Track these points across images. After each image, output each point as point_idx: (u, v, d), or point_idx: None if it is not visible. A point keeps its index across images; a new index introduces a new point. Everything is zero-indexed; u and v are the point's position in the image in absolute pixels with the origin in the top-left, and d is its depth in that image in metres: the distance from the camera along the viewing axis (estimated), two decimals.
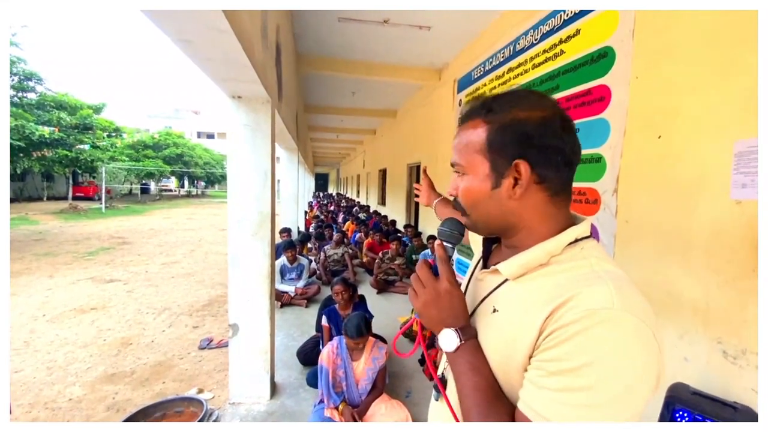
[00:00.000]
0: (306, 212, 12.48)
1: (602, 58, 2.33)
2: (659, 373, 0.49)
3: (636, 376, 0.47)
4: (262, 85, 2.07)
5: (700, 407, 1.50)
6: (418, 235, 5.81)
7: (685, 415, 1.48)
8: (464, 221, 0.69)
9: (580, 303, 0.50)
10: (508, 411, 0.55)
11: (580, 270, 0.56)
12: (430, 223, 6.23)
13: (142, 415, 2.14)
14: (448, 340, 0.61)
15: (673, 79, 1.90)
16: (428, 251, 5.10)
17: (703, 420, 1.45)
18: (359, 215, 10.14)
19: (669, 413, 1.52)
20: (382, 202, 11.70)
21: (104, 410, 2.64)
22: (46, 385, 2.94)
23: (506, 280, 0.62)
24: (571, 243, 0.59)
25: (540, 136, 0.57)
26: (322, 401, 2.24)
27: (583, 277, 0.54)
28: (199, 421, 2.05)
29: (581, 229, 0.61)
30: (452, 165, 0.67)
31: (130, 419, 2.07)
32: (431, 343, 2.84)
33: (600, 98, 2.34)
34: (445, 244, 0.68)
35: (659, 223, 1.98)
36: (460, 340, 0.60)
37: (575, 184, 2.50)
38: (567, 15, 2.62)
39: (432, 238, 5.00)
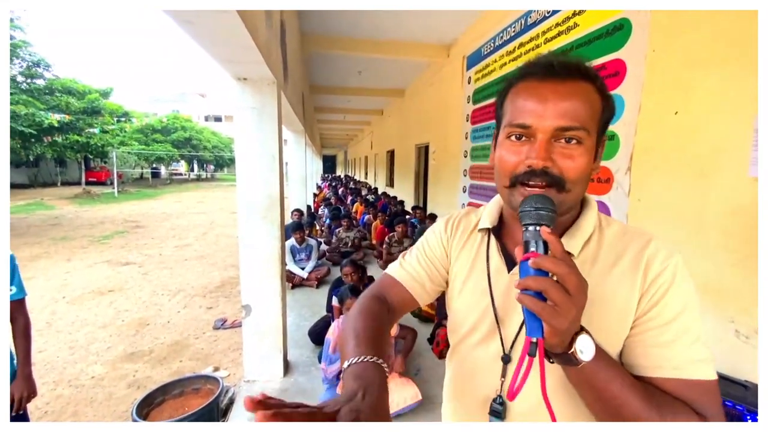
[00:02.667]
0: (315, 194, 12.52)
1: (618, 31, 2.24)
2: None
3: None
4: (267, 66, 2.04)
5: None
6: (434, 216, 5.76)
7: None
8: (555, 198, 0.55)
9: (655, 261, 0.57)
10: (655, 390, 0.53)
11: (619, 230, 0.62)
12: (438, 205, 6.20)
13: (161, 392, 2.23)
14: (587, 346, 0.49)
15: (691, 52, 1.82)
16: None
17: None
18: (367, 197, 10.13)
19: None
20: (390, 183, 11.65)
21: (125, 387, 2.75)
22: (69, 363, 3.06)
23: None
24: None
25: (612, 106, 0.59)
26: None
27: (631, 238, 0.60)
28: (216, 398, 2.12)
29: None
30: (565, 129, 0.54)
31: (150, 396, 2.15)
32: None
33: (615, 73, 2.26)
34: (545, 227, 0.50)
35: (673, 201, 1.94)
36: (595, 345, 0.50)
37: None
38: None
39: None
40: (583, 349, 0.49)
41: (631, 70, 2.16)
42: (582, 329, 0.50)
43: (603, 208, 2.38)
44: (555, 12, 2.81)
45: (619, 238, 0.61)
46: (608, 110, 0.58)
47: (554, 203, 0.53)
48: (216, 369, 2.96)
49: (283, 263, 2.58)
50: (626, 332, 0.57)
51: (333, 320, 2.90)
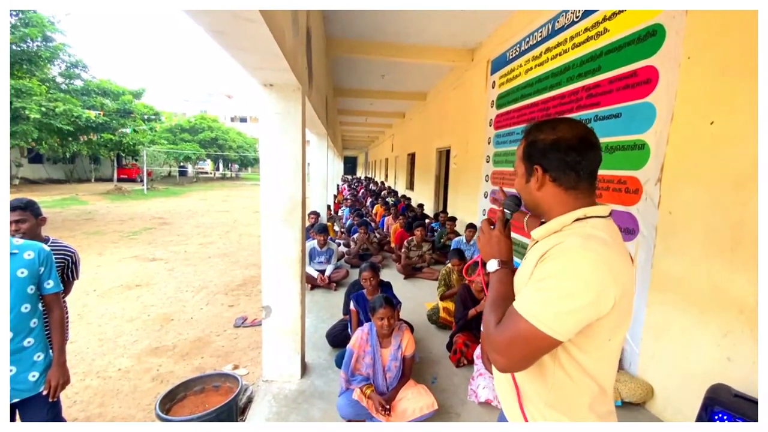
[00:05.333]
0: (335, 195, 12.63)
1: (651, 37, 2.17)
2: (602, 295, 0.73)
3: (578, 287, 0.73)
4: (293, 73, 2.08)
5: (741, 410, 1.43)
6: (454, 219, 5.79)
7: (725, 418, 1.42)
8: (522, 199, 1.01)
9: (555, 247, 0.79)
10: (505, 308, 0.84)
11: (575, 232, 0.81)
12: (458, 210, 6.15)
13: (183, 388, 2.29)
14: (492, 265, 0.95)
15: (730, 59, 1.75)
16: (462, 238, 5.11)
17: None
18: (387, 199, 10.14)
19: (707, 415, 1.46)
20: (410, 186, 11.64)
21: (150, 381, 2.84)
22: (98, 355, 3.19)
23: (537, 241, 0.90)
24: (581, 219, 0.83)
25: (549, 152, 0.86)
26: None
27: (570, 234, 0.80)
28: (235, 396, 2.17)
29: (593, 210, 0.84)
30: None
31: (173, 391, 2.22)
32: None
33: (646, 80, 2.19)
34: (505, 211, 1.01)
35: (706, 214, 1.87)
36: (499, 266, 0.94)
37: (614, 173, 2.38)
38: None
39: (471, 226, 5.03)
40: (489, 265, 0.95)
41: (663, 78, 2.08)
42: (502, 262, 0.94)
43: (631, 220, 2.30)
44: (585, 16, 2.74)
45: (562, 236, 0.83)
46: (527, 148, 0.90)
47: (519, 200, 0.99)
48: (236, 367, 3.03)
49: (304, 266, 2.61)
50: (526, 282, 0.83)
51: (350, 324, 2.91)
